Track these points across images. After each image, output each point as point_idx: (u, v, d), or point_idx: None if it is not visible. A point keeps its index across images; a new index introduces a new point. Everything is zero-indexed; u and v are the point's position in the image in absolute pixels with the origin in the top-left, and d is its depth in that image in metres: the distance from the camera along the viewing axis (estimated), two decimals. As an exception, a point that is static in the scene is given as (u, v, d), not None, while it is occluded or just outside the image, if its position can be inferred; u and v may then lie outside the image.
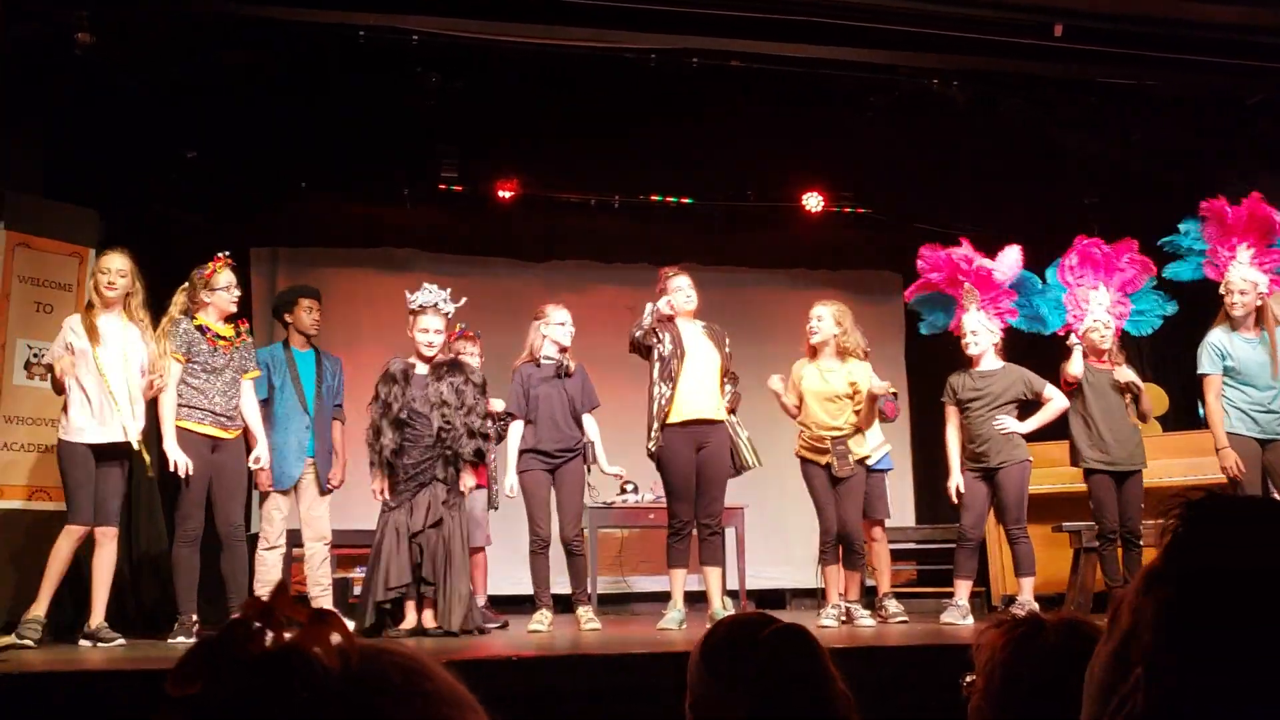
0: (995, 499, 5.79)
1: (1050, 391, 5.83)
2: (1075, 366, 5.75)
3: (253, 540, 5.73)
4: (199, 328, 5.35)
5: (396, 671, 0.70)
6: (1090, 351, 5.87)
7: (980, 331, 5.84)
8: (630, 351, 5.74)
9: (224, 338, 5.39)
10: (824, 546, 5.68)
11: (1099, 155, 7.77)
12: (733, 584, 7.79)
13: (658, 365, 5.58)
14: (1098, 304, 5.94)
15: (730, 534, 7.50)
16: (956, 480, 5.80)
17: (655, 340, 5.57)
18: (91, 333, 5.04)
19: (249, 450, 5.46)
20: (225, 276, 5.45)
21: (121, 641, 4.92)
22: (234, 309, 5.48)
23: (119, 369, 5.07)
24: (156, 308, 5.40)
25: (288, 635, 0.69)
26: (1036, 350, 6.40)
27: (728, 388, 5.73)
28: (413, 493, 5.53)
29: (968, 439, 5.80)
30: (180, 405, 5.23)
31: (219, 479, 5.29)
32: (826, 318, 5.72)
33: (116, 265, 5.17)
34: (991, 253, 6.11)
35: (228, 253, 5.63)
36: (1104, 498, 5.76)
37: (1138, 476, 5.80)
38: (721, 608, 5.56)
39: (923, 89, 6.92)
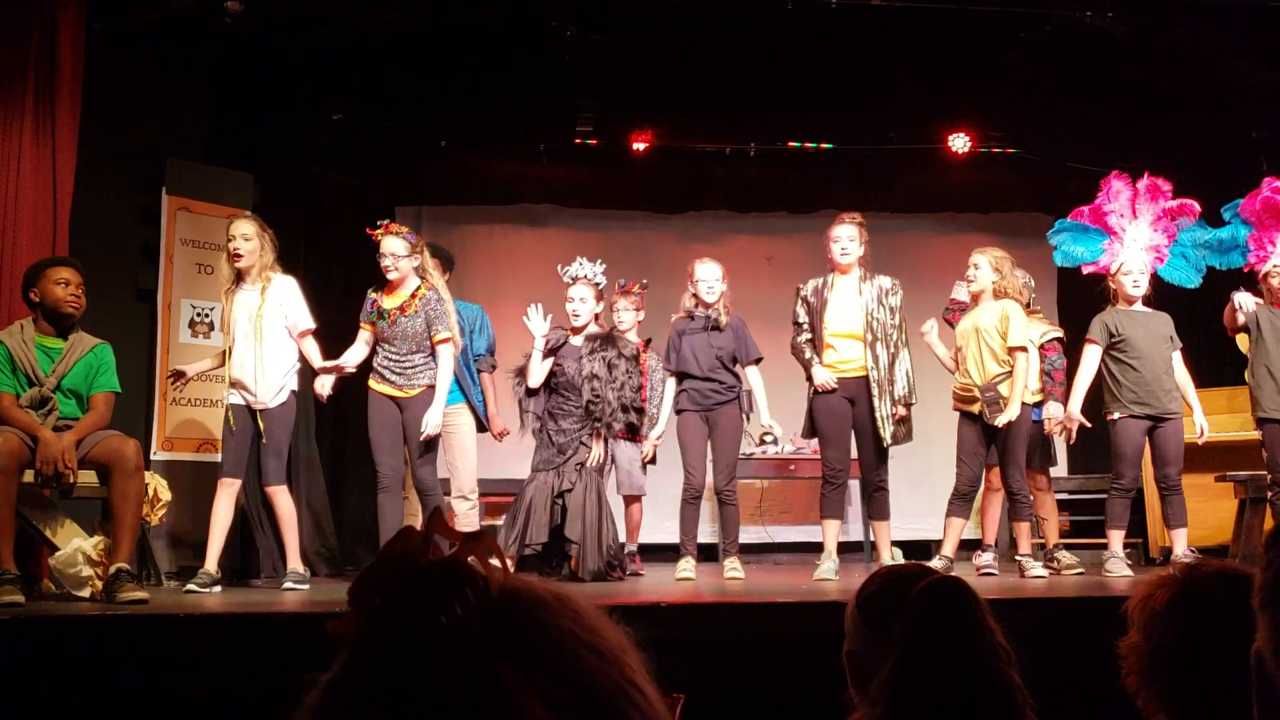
0: (1154, 449, 5.57)
1: (1178, 359, 5.63)
2: (1245, 305, 5.51)
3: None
4: (373, 299, 5.48)
5: (545, 591, 0.78)
6: (1273, 297, 5.62)
7: (1146, 273, 5.63)
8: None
9: (387, 309, 5.43)
10: (953, 498, 5.56)
11: (1270, 87, 7.28)
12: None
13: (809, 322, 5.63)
14: None
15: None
16: (1073, 412, 5.63)
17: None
18: (225, 299, 5.24)
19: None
20: (383, 244, 5.40)
21: (293, 586, 5.14)
22: (390, 276, 5.40)
23: (247, 335, 5.21)
24: (309, 265, 5.55)
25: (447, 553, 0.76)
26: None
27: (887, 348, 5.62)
28: (562, 461, 5.67)
29: (1131, 382, 5.54)
30: (372, 370, 5.46)
31: (409, 436, 5.41)
32: (984, 265, 5.57)
33: (240, 230, 5.23)
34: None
35: (388, 220, 5.61)
36: None
37: None
38: (890, 560, 5.56)
39: (1076, 21, 6.59)
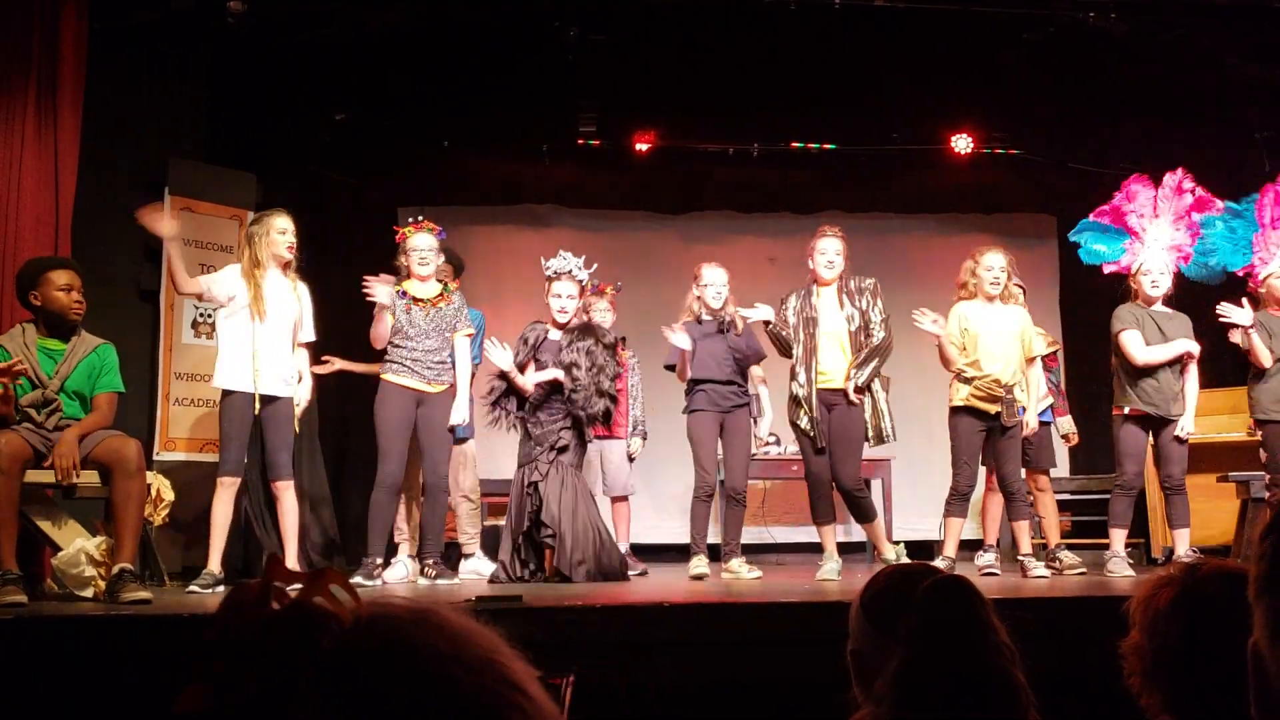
0: (1159, 450, 5.56)
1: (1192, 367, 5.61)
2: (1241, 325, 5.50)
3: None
4: (400, 292, 5.51)
5: (404, 610, 0.75)
6: (1272, 301, 5.63)
7: (1166, 273, 5.62)
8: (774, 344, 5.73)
9: (421, 300, 5.54)
10: (952, 499, 5.58)
11: (1270, 87, 7.28)
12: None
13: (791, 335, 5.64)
14: None
15: (877, 485, 7.42)
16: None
17: (787, 330, 5.61)
18: (256, 290, 5.15)
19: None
20: (412, 240, 5.59)
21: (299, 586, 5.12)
22: (423, 270, 5.56)
23: (278, 327, 5.22)
24: (308, 267, 5.55)
25: (294, 594, 0.74)
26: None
27: (865, 357, 5.60)
28: (543, 453, 5.64)
29: (1142, 383, 5.53)
30: (388, 361, 5.49)
31: (425, 431, 5.46)
32: (1006, 266, 5.59)
33: (290, 226, 5.29)
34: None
35: (420, 217, 5.75)
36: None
37: None
38: (893, 556, 5.64)
39: (1079, 22, 6.59)
